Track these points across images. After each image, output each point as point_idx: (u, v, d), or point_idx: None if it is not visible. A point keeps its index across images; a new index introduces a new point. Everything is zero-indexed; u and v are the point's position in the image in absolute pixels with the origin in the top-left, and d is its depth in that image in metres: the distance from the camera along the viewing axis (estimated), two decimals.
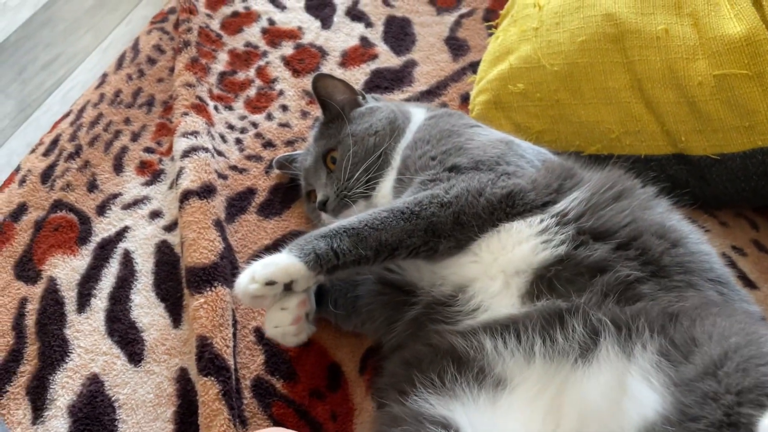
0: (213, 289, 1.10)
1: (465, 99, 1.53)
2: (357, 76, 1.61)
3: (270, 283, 0.90)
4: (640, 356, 0.70)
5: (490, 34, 1.67)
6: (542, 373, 0.75)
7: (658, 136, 1.23)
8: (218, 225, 1.22)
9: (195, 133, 1.37)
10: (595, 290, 0.80)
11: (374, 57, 1.66)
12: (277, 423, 1.02)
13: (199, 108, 1.46)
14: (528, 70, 1.33)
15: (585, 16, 1.29)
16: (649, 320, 0.73)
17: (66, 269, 1.24)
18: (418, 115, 1.23)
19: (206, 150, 1.34)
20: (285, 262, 0.90)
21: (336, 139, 1.19)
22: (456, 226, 0.93)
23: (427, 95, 1.56)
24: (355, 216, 0.96)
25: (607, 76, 1.26)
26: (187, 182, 1.27)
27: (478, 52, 1.65)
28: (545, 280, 0.85)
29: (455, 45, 1.68)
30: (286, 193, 1.36)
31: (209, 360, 1.02)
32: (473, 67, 1.60)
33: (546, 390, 0.73)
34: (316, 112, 1.52)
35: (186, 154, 1.32)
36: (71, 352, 1.12)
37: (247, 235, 1.28)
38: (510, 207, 0.93)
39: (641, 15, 1.24)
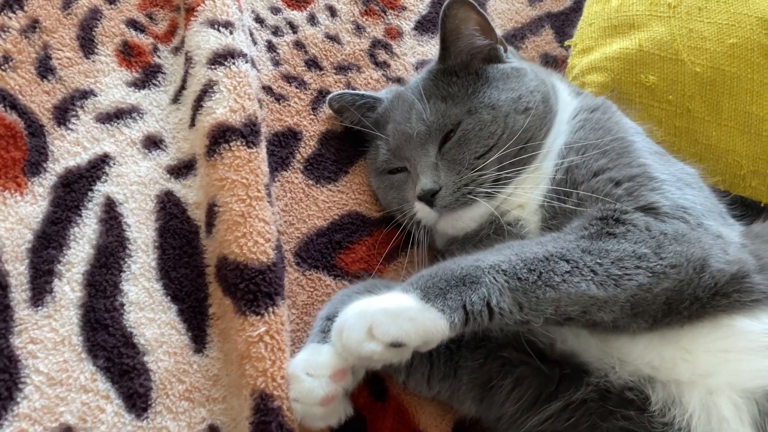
0: (275, 308, 0.70)
1: (546, 61, 1.23)
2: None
3: (396, 345, 0.60)
4: None
5: None
6: None
7: None
8: (268, 192, 0.78)
9: (229, 26, 0.87)
10: None
11: None
12: None
13: None
14: (662, 61, 1.07)
15: (735, 12, 1.06)
16: None
17: (9, 219, 0.71)
18: (564, 93, 0.91)
19: (246, 59, 0.86)
20: (424, 319, 0.61)
21: (464, 106, 0.83)
22: (663, 306, 0.67)
23: None
24: (514, 254, 0.67)
25: (753, 97, 1.04)
26: (223, 109, 0.79)
27: (555, 0, 1.33)
28: None
29: None
30: (340, 149, 0.94)
31: None
32: (552, 20, 1.32)
33: None
34: (375, 30, 1.09)
35: (218, 59, 0.83)
36: (23, 382, 0.64)
37: (292, 205, 0.86)
38: (737, 293, 0.69)
39: None
